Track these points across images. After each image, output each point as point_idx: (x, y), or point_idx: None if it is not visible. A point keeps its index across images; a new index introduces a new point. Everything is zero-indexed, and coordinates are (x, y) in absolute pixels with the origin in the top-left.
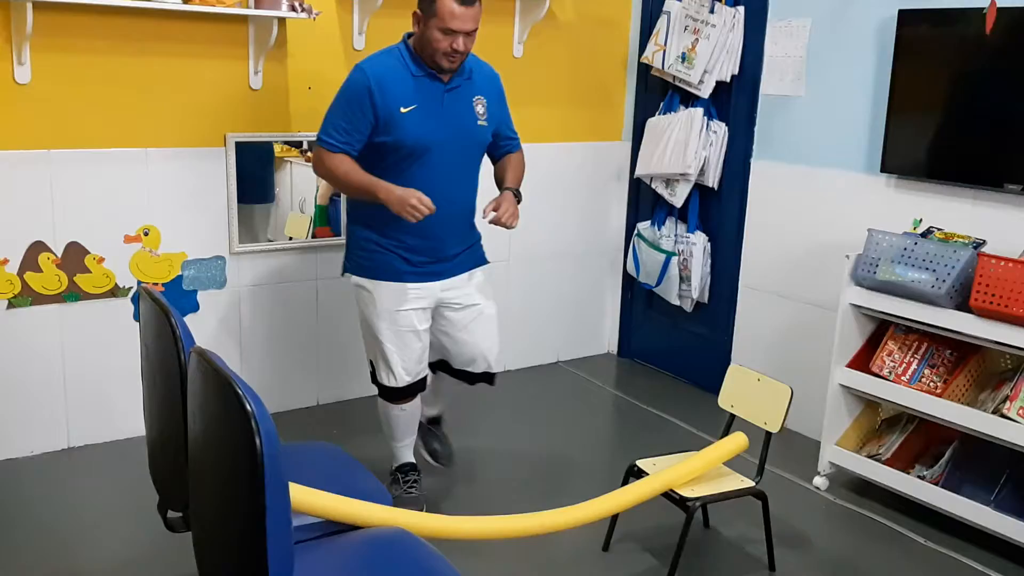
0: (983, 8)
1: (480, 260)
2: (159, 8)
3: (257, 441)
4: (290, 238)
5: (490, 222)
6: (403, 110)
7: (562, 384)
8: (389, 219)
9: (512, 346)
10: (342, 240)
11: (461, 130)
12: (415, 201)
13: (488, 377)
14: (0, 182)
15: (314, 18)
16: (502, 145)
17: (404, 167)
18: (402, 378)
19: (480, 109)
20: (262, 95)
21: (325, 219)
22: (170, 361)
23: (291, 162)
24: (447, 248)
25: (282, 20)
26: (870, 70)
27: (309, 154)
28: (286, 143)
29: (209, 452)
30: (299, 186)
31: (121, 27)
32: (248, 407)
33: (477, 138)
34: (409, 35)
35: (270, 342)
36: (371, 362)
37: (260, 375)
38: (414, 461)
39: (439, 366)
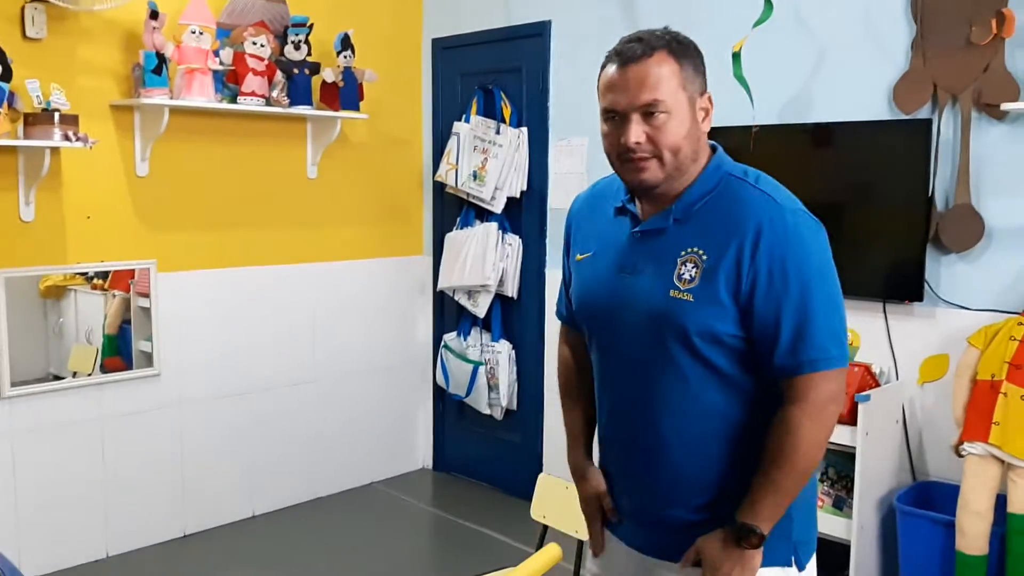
0: (745, 126)
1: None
2: None
3: None
4: (74, 373)
5: None
6: (579, 257)
7: (377, 506)
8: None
9: (323, 471)
10: (135, 373)
11: (637, 301)
12: (586, 509)
13: None
14: None
15: (90, 147)
16: (777, 376)
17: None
18: None
19: (688, 273)
20: (35, 227)
21: (115, 349)
22: None
23: (75, 290)
24: (642, 501)
25: (55, 149)
26: None
27: (96, 281)
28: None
29: None
30: (85, 316)
31: None
32: None
33: (664, 319)
34: None
35: (51, 492)
36: None
37: (40, 530)
38: None
39: None
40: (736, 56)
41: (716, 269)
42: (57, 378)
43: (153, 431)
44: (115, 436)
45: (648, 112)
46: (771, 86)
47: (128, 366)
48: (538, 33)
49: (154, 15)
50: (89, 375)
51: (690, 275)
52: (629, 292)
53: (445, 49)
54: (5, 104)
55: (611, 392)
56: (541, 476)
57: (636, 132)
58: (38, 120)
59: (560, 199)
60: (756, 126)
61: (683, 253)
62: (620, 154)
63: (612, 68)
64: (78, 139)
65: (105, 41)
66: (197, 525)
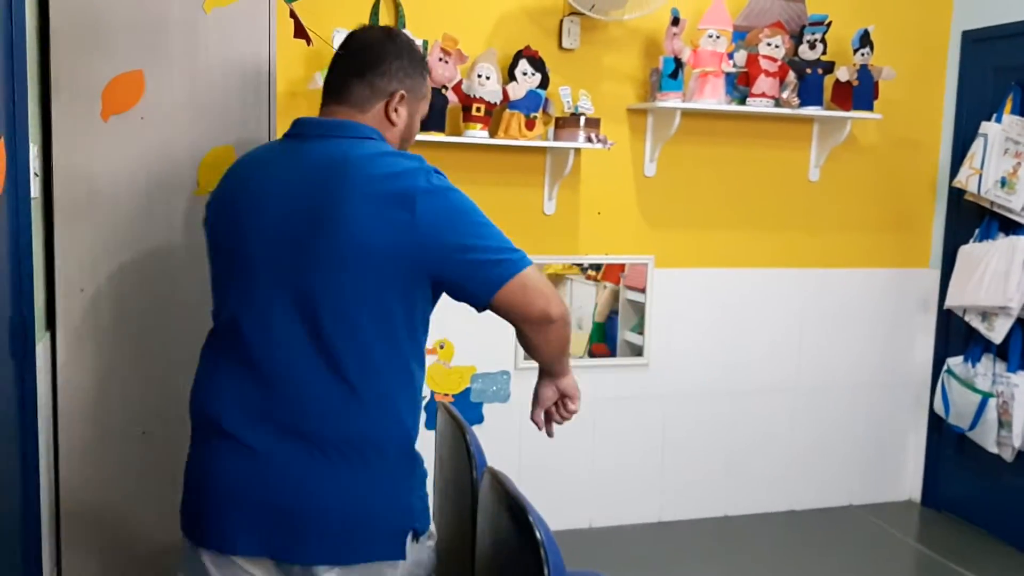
0: None
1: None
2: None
3: (545, 571)
4: None
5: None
6: None
7: (855, 531)
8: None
9: (799, 484)
10: (623, 360)
11: None
12: None
13: None
14: None
15: (608, 148)
16: None
17: None
18: None
19: None
20: (555, 220)
21: (602, 336)
22: (463, 477)
23: (572, 279)
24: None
25: (577, 150)
26: None
27: (590, 272)
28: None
29: (495, 571)
30: (579, 303)
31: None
32: (538, 535)
33: None
34: None
35: (545, 459)
36: None
37: (535, 492)
38: None
39: None
40: None
41: None
42: None
43: (638, 417)
44: (602, 417)
45: None
46: None
47: (612, 353)
48: None
49: (675, 21)
50: (580, 358)
51: None
52: None
53: (977, 42)
54: (540, 109)
55: None
56: None
57: None
58: (566, 123)
59: None
60: None
61: None
62: None
63: None
64: (599, 140)
65: (628, 49)
66: (672, 514)
